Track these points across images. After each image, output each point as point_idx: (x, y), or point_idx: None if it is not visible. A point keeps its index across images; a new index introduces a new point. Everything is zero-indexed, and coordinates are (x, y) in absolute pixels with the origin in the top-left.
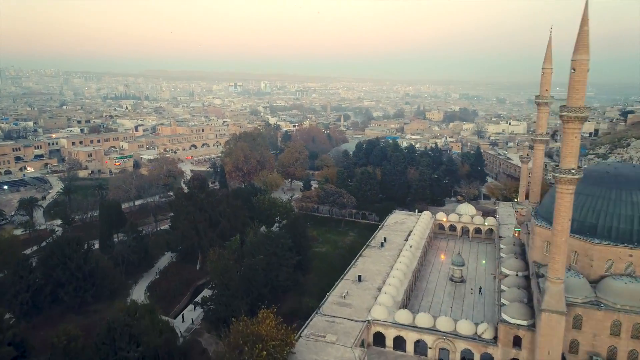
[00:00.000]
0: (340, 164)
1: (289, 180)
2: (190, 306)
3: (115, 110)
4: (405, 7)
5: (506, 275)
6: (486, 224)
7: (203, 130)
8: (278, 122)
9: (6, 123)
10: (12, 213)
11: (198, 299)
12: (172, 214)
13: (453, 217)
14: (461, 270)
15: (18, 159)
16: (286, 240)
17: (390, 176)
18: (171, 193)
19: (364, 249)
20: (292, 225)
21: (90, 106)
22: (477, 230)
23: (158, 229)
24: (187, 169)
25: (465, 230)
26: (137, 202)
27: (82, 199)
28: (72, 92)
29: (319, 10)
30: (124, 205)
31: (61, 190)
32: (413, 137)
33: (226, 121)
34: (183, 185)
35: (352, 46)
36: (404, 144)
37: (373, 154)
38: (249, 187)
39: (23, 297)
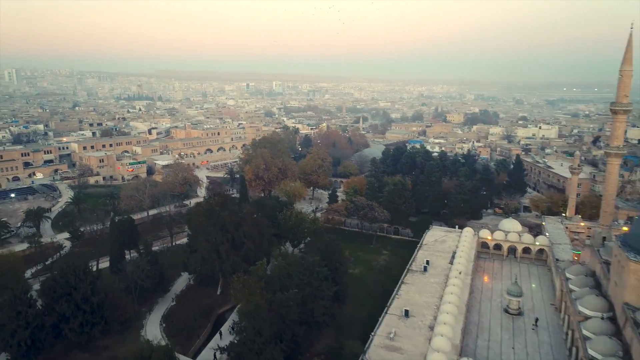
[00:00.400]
0: (365, 170)
1: (311, 188)
2: (213, 343)
3: (128, 111)
4: (413, 8)
5: (587, 317)
6: (537, 243)
7: (219, 133)
8: (296, 125)
9: (16, 126)
10: (18, 224)
11: (222, 342)
12: (190, 232)
13: (499, 235)
14: (518, 301)
15: (27, 164)
16: (322, 268)
17: (423, 187)
18: (187, 202)
19: (406, 274)
20: (327, 249)
21: (103, 107)
22: (526, 250)
23: (173, 243)
24: (202, 175)
25: (512, 249)
26: (151, 212)
27: (92, 209)
28: (85, 92)
29: (330, 6)
30: (137, 216)
31: (70, 200)
32: (436, 141)
33: (241, 123)
34: (199, 194)
35: (363, 46)
36: (434, 149)
37: (401, 161)
38: (273, 199)
39: (21, 335)
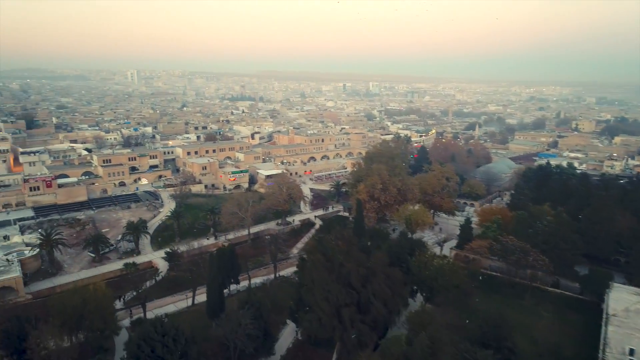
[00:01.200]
0: (494, 190)
1: (431, 211)
2: None
3: (232, 113)
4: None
5: None
6: None
7: (323, 140)
8: (406, 133)
9: (127, 128)
10: (119, 237)
11: None
12: (300, 279)
13: None
14: None
15: (133, 169)
16: (489, 355)
17: (589, 224)
18: (290, 220)
19: None
20: (495, 324)
21: (208, 107)
22: None
23: (277, 275)
24: (306, 187)
25: None
26: (252, 229)
27: (191, 224)
28: (194, 92)
29: (427, 9)
30: (238, 234)
31: (170, 214)
32: (572, 155)
33: (344, 128)
34: (303, 211)
35: (460, 46)
36: (577, 167)
37: (549, 185)
38: (404, 239)
39: None
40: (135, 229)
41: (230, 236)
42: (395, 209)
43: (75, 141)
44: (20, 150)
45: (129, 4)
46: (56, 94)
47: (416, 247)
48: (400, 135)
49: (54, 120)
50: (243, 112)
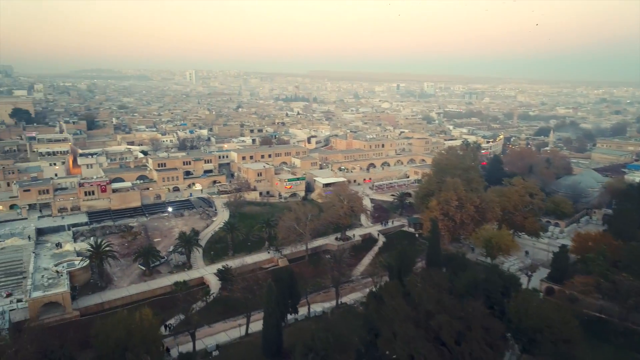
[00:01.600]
0: (581, 208)
1: (511, 231)
2: None
3: (287, 114)
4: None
5: None
6: None
7: (383, 145)
8: (472, 138)
9: (183, 130)
10: (170, 248)
11: None
12: (381, 331)
13: None
14: None
15: (187, 173)
16: None
17: None
18: (351, 235)
19: None
20: None
21: (263, 109)
22: None
23: (339, 302)
24: (366, 198)
25: None
26: (310, 244)
27: (246, 236)
28: (248, 92)
29: (486, 9)
30: (295, 249)
31: (223, 226)
32: None
33: (403, 131)
34: (363, 224)
35: (519, 45)
36: None
37: None
38: (494, 274)
39: None
40: (188, 242)
41: (287, 251)
42: (472, 229)
43: (132, 143)
44: (80, 152)
45: (192, 6)
46: (119, 93)
47: (510, 284)
48: (469, 141)
49: (114, 121)
50: (298, 113)
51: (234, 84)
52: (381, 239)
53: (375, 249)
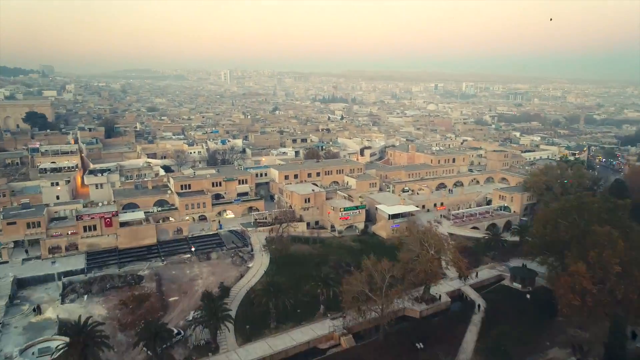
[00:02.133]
0: None
1: None
2: None
3: (329, 118)
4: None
5: None
6: None
7: (454, 160)
8: (556, 150)
9: (214, 140)
10: (190, 316)
11: None
12: None
13: None
14: None
15: (217, 196)
16: None
17: None
18: (436, 295)
19: None
20: None
21: (301, 111)
22: None
23: None
24: (444, 232)
25: None
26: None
27: (294, 297)
28: (283, 92)
29: (551, 18)
30: (363, 317)
31: (261, 289)
32: None
33: (465, 140)
34: (447, 274)
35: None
36: None
37: None
38: None
39: None
40: (213, 314)
41: (350, 321)
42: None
43: (154, 155)
44: (91, 166)
45: (226, 6)
46: (152, 94)
47: None
48: (569, 158)
49: (137, 126)
50: (342, 117)
51: (268, 84)
52: (480, 301)
53: (475, 319)
